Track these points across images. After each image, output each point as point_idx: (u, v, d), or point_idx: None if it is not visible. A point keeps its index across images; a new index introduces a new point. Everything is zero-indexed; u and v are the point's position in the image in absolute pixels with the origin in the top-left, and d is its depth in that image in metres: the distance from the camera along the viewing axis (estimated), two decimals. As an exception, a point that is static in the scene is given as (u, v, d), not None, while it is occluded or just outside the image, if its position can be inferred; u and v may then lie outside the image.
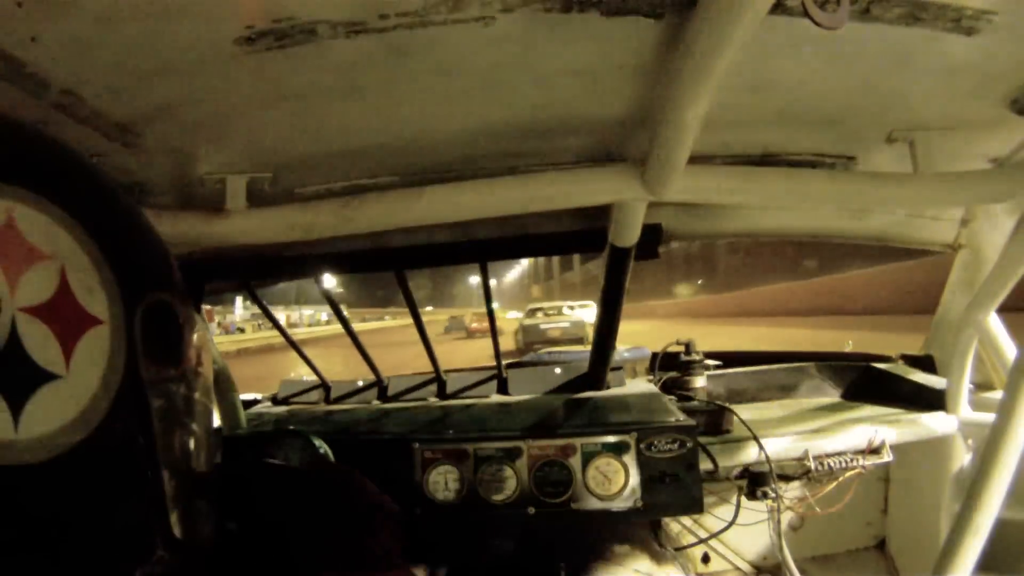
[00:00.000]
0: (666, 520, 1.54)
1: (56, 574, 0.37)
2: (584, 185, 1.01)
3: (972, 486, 0.93)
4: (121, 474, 0.42)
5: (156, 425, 0.45)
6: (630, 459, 1.17)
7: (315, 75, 0.78)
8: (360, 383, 1.64)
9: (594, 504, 1.17)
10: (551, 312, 16.42)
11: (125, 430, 0.42)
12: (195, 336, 0.53)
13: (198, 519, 0.50)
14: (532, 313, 16.59)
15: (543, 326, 15.12)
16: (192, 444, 0.50)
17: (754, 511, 1.36)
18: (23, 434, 0.35)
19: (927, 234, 1.41)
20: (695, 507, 1.17)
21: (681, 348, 1.55)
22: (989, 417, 0.95)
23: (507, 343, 15.21)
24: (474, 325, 26.97)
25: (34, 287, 0.37)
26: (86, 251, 0.41)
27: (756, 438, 1.27)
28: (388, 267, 1.30)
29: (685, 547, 1.53)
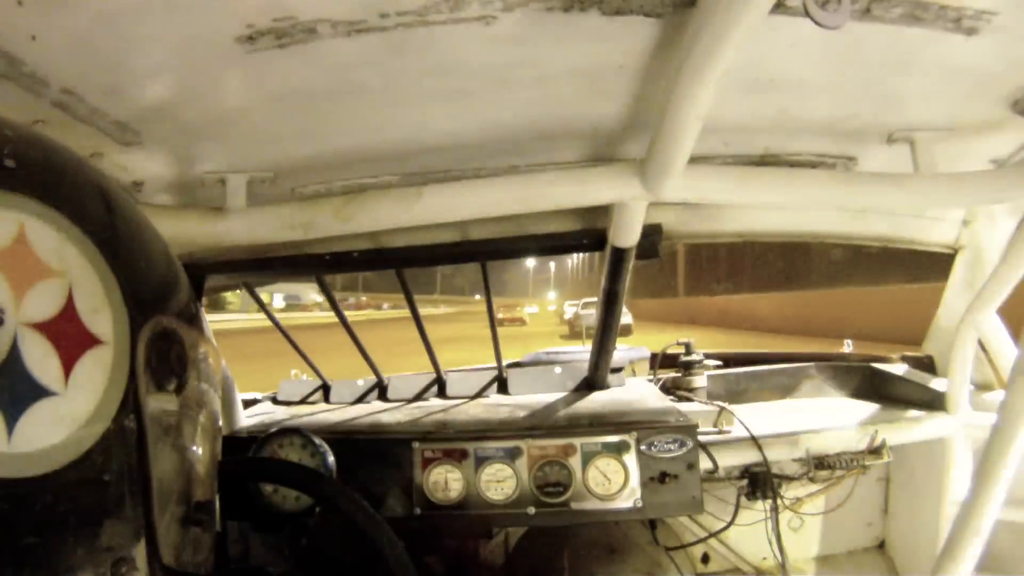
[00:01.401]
0: (666, 520, 1.54)
1: None
2: (584, 185, 1.01)
3: (972, 486, 0.93)
4: (109, 498, 0.42)
5: (152, 451, 0.44)
6: (630, 459, 1.17)
7: (315, 74, 0.78)
8: (360, 383, 1.64)
9: (594, 504, 1.17)
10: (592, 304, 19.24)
11: (118, 454, 0.42)
12: (199, 357, 0.52)
13: (193, 547, 0.49)
14: (587, 305, 20.21)
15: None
16: (190, 472, 0.49)
17: (754, 511, 1.36)
18: (15, 447, 0.35)
19: (928, 235, 1.41)
20: (695, 507, 1.17)
21: (681, 348, 1.55)
22: (989, 417, 0.95)
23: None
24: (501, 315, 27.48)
25: (40, 303, 0.37)
26: (96, 270, 0.41)
27: (754, 439, 1.27)
28: (388, 267, 1.29)
29: (685, 546, 1.52)
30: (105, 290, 0.41)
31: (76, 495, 0.39)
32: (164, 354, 0.46)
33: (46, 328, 0.37)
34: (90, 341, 0.40)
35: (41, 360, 0.37)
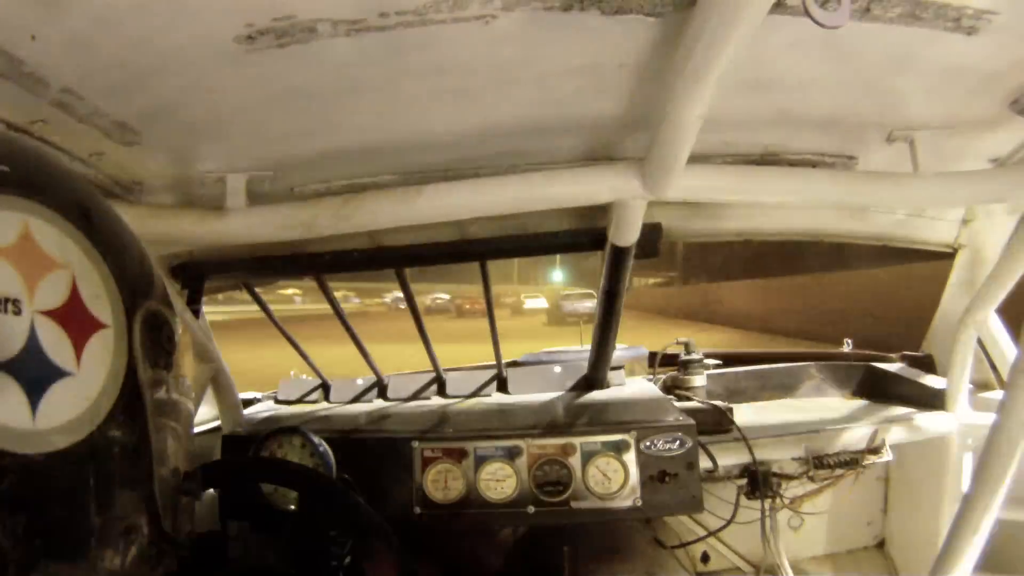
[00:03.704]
0: (666, 519, 1.54)
1: (65, 552, 0.40)
2: (584, 184, 1.01)
3: (972, 486, 0.94)
4: (121, 467, 0.45)
5: (150, 424, 0.48)
6: (630, 458, 1.17)
7: (315, 73, 0.78)
8: (360, 382, 1.64)
9: (594, 503, 1.17)
10: (573, 296, 20.46)
11: (127, 425, 0.45)
12: (180, 339, 0.56)
13: (183, 514, 0.53)
14: (567, 297, 21.05)
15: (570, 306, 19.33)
16: (179, 443, 0.53)
17: (754, 510, 1.36)
18: (40, 425, 0.38)
19: (927, 234, 1.41)
20: (695, 506, 1.17)
21: (681, 348, 1.55)
22: (989, 417, 0.95)
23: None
24: (467, 306, 24.91)
25: (50, 292, 0.41)
26: (92, 262, 0.45)
27: (746, 440, 1.27)
28: (388, 266, 1.29)
29: (684, 545, 1.53)
30: (102, 279, 0.45)
31: (92, 467, 0.42)
32: (156, 335, 0.50)
33: (57, 315, 0.41)
34: (95, 325, 0.44)
35: (56, 344, 0.40)
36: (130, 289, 0.47)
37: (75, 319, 0.42)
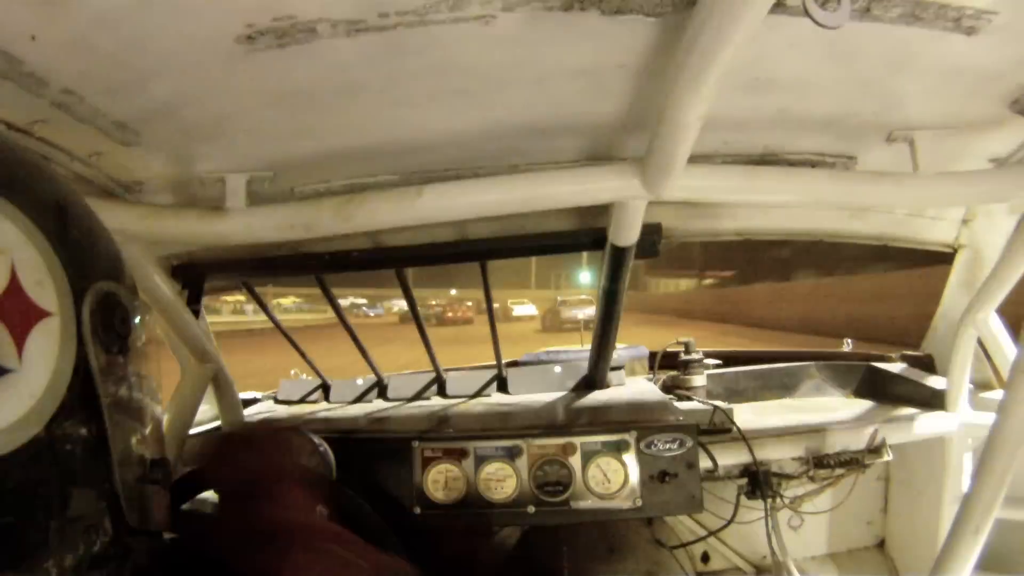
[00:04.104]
0: (666, 519, 1.54)
1: (19, 561, 0.38)
2: (584, 184, 1.01)
3: (972, 486, 0.94)
4: (76, 464, 0.43)
5: (107, 415, 0.45)
6: (630, 458, 1.17)
7: (315, 74, 0.78)
8: (360, 382, 1.64)
9: (594, 503, 1.17)
10: (571, 301, 20.18)
11: (80, 419, 0.43)
12: (142, 325, 0.53)
13: (151, 505, 0.51)
14: (564, 302, 20.78)
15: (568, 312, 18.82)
16: (142, 433, 0.51)
17: (754, 510, 1.36)
18: None
19: (927, 234, 1.41)
20: (695, 506, 1.17)
21: (681, 347, 1.55)
22: (989, 417, 0.95)
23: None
24: (448, 314, 23.16)
25: None
26: (34, 243, 0.41)
27: (746, 440, 1.27)
28: (388, 266, 1.29)
29: (684, 545, 1.53)
30: (46, 263, 0.41)
31: (43, 468, 0.40)
32: (108, 319, 0.47)
33: None
34: (38, 314, 0.40)
35: None
36: (79, 269, 0.45)
37: (15, 309, 0.39)
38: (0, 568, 0.37)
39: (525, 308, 24.89)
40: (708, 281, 29.05)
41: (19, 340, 0.39)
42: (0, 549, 0.37)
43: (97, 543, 0.44)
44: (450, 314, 22.88)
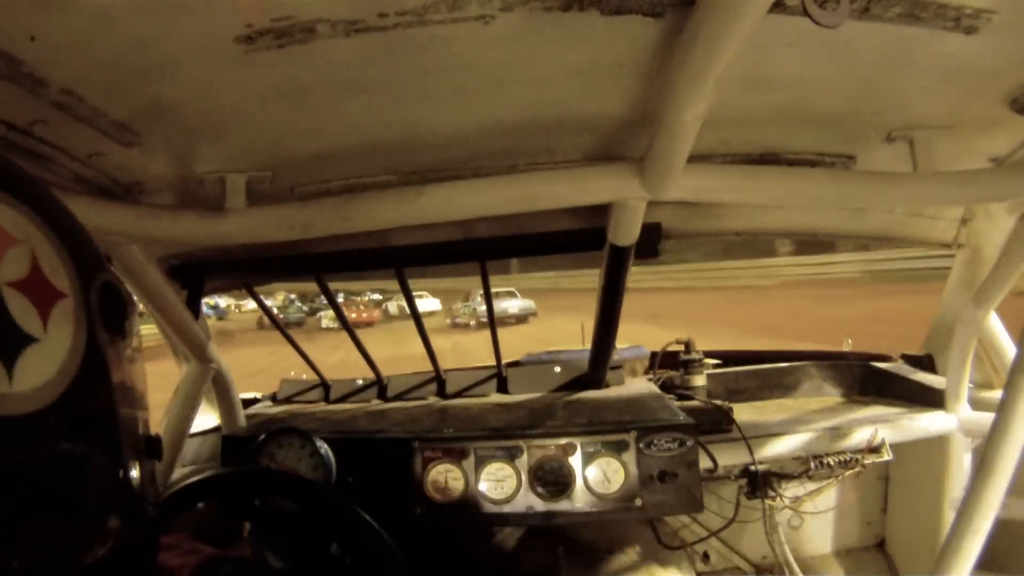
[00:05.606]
0: (666, 519, 1.54)
1: (43, 517, 0.43)
2: (584, 184, 1.01)
3: (972, 485, 0.94)
4: (91, 430, 0.49)
5: (115, 385, 0.52)
6: (630, 458, 1.17)
7: (314, 74, 0.78)
8: (360, 382, 1.64)
9: (594, 503, 1.17)
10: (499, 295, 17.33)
11: (92, 387, 0.49)
12: (135, 316, 0.60)
13: (148, 479, 0.57)
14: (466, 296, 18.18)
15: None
16: (139, 407, 0.57)
17: (754, 509, 1.36)
18: (16, 388, 0.41)
19: (927, 233, 1.41)
20: (695, 506, 1.17)
21: (681, 347, 1.55)
22: (989, 416, 0.95)
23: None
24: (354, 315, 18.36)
25: (14, 265, 0.45)
26: (46, 238, 0.49)
27: (745, 440, 1.27)
28: (387, 266, 1.30)
29: (685, 545, 1.53)
30: (57, 255, 0.49)
31: (67, 427, 0.45)
32: (110, 304, 0.54)
33: (23, 286, 0.44)
34: (57, 294, 0.47)
35: (24, 312, 0.44)
36: (83, 263, 0.52)
37: (39, 289, 0.46)
38: (23, 518, 0.42)
39: (427, 303, 19.71)
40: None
41: (44, 315, 0.45)
42: (27, 505, 0.42)
43: (111, 505, 0.50)
44: (354, 315, 18.77)
